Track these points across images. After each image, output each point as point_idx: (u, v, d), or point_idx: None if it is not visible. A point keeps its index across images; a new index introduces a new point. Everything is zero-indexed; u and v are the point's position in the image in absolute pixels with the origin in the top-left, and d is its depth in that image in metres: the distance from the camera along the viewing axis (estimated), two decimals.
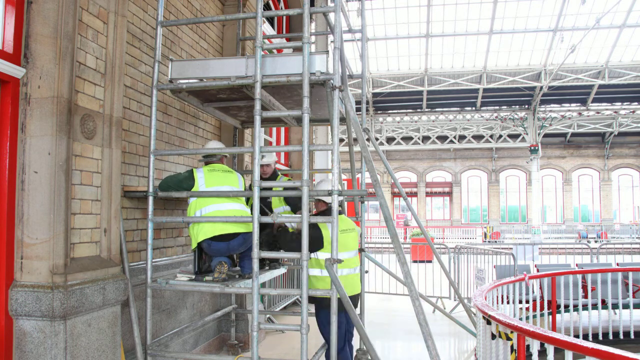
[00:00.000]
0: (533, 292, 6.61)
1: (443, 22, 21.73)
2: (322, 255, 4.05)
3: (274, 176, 5.07)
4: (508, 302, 5.76)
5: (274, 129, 9.01)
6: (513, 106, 26.41)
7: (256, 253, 3.54)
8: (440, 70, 24.25)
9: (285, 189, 4.19)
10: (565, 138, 31.89)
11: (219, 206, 3.95)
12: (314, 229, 3.98)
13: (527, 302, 6.54)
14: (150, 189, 3.96)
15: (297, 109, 3.68)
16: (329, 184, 4.12)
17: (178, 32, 5.14)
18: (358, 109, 6.31)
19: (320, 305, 4.11)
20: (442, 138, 29.09)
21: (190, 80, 4.06)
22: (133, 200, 4.29)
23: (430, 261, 14.41)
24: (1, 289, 3.02)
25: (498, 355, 3.56)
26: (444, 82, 24.45)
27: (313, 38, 9.03)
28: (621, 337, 6.70)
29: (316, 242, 3.99)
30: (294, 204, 4.98)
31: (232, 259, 4.31)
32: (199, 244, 3.98)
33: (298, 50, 3.71)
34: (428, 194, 34.37)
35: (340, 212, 4.19)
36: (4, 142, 3.04)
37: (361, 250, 5.33)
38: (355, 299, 4.31)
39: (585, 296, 7.10)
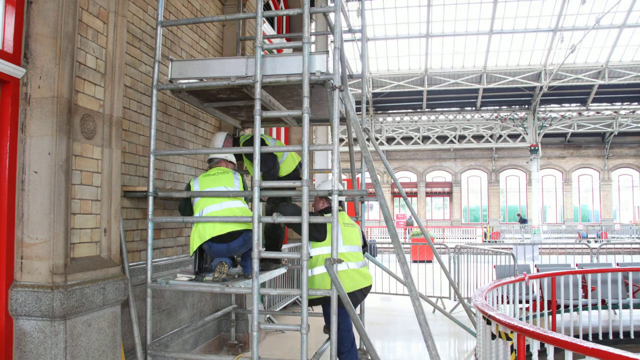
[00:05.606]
0: (533, 292, 6.61)
1: (443, 22, 21.74)
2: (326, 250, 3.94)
3: None
4: (508, 302, 5.76)
5: (274, 129, 9.00)
6: (513, 106, 26.42)
7: (256, 253, 3.54)
8: (440, 70, 24.26)
9: (284, 188, 4.18)
10: (565, 138, 31.89)
11: (216, 206, 3.96)
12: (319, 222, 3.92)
13: (527, 302, 6.54)
14: (150, 189, 3.96)
15: (297, 109, 3.68)
16: (329, 184, 4.12)
17: (178, 32, 5.14)
18: (358, 109, 6.31)
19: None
20: (442, 138, 29.09)
21: (190, 80, 4.07)
22: (133, 200, 4.29)
23: (430, 261, 14.41)
24: (1, 289, 3.02)
25: (498, 355, 3.56)
26: (444, 82, 24.45)
27: (313, 38, 9.03)
28: (621, 337, 6.70)
29: (322, 230, 3.93)
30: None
31: (232, 259, 4.31)
32: (200, 245, 3.98)
33: (298, 50, 3.71)
34: (428, 194, 34.37)
35: (340, 210, 4.19)
36: (4, 142, 3.04)
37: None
38: (367, 290, 4.17)
39: (585, 296, 7.10)
